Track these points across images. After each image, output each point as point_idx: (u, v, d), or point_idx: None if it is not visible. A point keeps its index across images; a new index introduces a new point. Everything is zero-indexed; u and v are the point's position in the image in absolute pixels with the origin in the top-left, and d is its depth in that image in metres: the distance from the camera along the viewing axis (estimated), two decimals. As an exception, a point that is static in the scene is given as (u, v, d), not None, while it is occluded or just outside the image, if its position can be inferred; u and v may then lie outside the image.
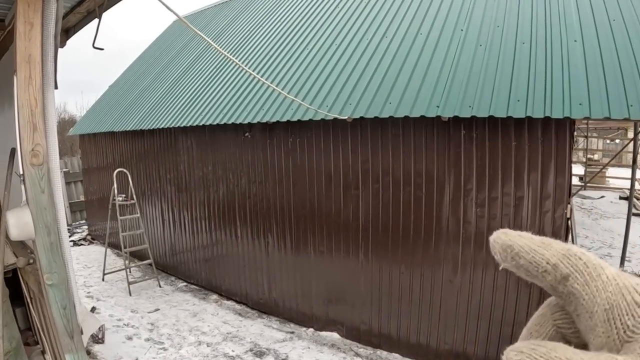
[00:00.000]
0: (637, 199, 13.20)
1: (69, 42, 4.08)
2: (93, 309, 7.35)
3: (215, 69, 8.97)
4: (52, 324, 2.46)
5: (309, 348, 6.16)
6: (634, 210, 8.91)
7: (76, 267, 9.96)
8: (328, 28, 7.76)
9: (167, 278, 9.45)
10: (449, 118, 4.83)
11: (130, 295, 8.32)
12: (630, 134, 14.66)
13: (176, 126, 8.07)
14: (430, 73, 5.42)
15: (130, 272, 9.08)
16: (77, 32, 3.94)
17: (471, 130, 4.97)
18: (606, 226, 11.62)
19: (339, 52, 6.89)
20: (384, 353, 5.96)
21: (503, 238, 0.38)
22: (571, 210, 4.54)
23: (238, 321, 7.10)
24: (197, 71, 9.53)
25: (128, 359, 5.85)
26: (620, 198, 14.58)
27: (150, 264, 9.09)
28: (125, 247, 8.83)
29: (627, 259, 7.99)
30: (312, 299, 6.70)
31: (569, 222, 4.59)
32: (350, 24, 7.46)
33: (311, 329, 6.69)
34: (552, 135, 4.48)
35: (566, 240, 4.62)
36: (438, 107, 4.90)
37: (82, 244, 12.73)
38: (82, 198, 15.03)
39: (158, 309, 7.60)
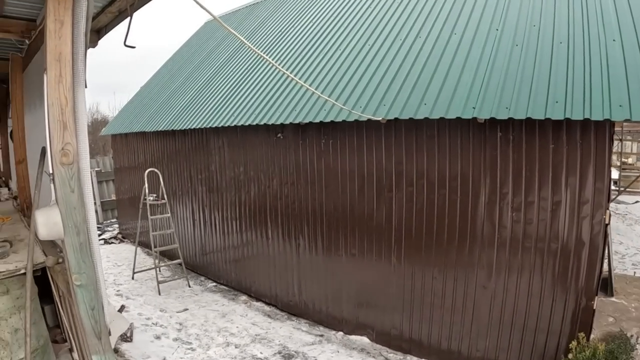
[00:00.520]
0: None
1: (101, 42, 4.25)
2: (122, 307, 7.58)
3: (247, 70, 9.15)
4: (79, 324, 2.48)
5: (338, 352, 6.25)
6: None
7: (106, 266, 10.30)
8: (361, 28, 7.86)
9: (196, 278, 9.66)
10: (485, 120, 4.84)
11: (159, 294, 8.55)
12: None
13: (208, 126, 8.28)
14: (466, 73, 5.45)
15: (160, 271, 9.34)
16: (108, 32, 4.09)
17: (508, 132, 4.98)
18: (641, 232, 11.39)
19: (372, 52, 6.97)
20: (414, 359, 6.00)
21: None
22: (609, 216, 4.50)
23: (267, 323, 7.23)
24: (229, 71, 9.73)
25: (156, 358, 6.04)
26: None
27: (180, 264, 9.33)
28: (155, 247, 9.08)
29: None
30: (343, 302, 6.78)
31: (607, 228, 4.56)
32: (384, 23, 7.54)
33: (341, 333, 6.77)
34: (591, 137, 4.46)
35: (604, 246, 4.59)
36: (474, 108, 4.92)
37: (112, 243, 13.11)
38: (113, 197, 15.50)
39: (187, 309, 7.79)
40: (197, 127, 8.57)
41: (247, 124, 7.39)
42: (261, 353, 6.23)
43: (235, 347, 6.39)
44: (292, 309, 7.62)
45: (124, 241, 13.28)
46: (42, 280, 3.94)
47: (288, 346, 6.40)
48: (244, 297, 8.41)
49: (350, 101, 6.20)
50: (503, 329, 5.19)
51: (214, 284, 9.33)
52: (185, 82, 11.19)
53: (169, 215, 9.46)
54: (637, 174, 13.44)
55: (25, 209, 5.41)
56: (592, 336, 4.68)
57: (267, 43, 9.84)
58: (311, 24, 9.35)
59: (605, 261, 5.91)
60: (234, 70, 9.65)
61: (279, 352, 6.24)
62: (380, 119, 5.57)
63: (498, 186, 5.12)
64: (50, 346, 4.15)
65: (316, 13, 9.70)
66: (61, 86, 2.21)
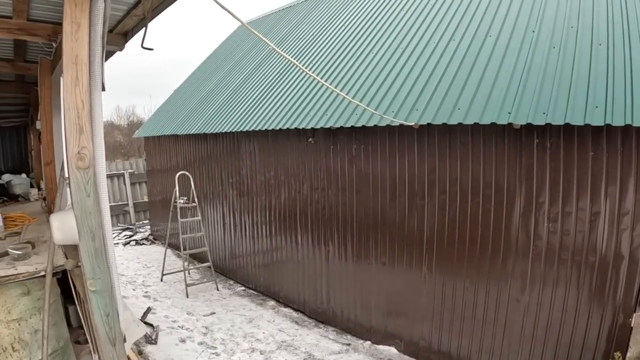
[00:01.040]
0: None
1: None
2: (149, 309, 7.69)
3: (278, 74, 9.21)
4: (94, 330, 2.48)
5: (365, 362, 6.18)
6: None
7: (136, 267, 10.49)
8: (394, 31, 7.82)
9: (225, 281, 9.74)
10: (522, 125, 4.73)
11: (187, 297, 8.65)
12: None
13: (239, 130, 8.37)
14: (501, 77, 5.34)
15: (189, 274, 9.42)
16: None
17: (545, 139, 4.85)
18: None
19: (405, 55, 6.91)
20: (444, 372, 5.88)
21: None
22: (651, 228, 4.33)
23: (294, 329, 7.22)
24: (260, 76, 9.82)
25: (179, 362, 6.08)
26: None
27: (209, 267, 9.43)
28: (185, 249, 9.17)
29: None
30: (371, 311, 6.72)
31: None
32: (417, 26, 7.49)
33: (368, 342, 6.71)
34: (633, 145, 4.30)
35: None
36: (509, 113, 4.81)
37: (144, 244, 13.37)
38: (145, 199, 15.78)
39: (214, 313, 7.86)
40: (229, 130, 8.67)
41: (278, 128, 7.44)
42: (286, 360, 6.23)
43: (261, 354, 6.40)
44: (320, 316, 7.60)
45: (155, 242, 13.53)
46: (66, 280, 4.00)
47: (314, 354, 6.38)
48: (272, 303, 8.43)
49: (383, 105, 6.16)
50: (536, 344, 5.04)
51: (243, 288, 9.39)
52: (218, 85, 11.37)
53: (199, 218, 9.60)
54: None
55: (51, 210, 5.54)
56: (628, 354, 4.49)
57: (299, 47, 9.90)
58: (344, 26, 9.36)
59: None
60: (265, 74, 9.74)
61: (305, 360, 6.23)
62: (412, 124, 5.51)
63: (534, 195, 4.98)
64: (70, 348, 4.21)
65: (349, 16, 9.70)
66: (77, 89, 2.21)
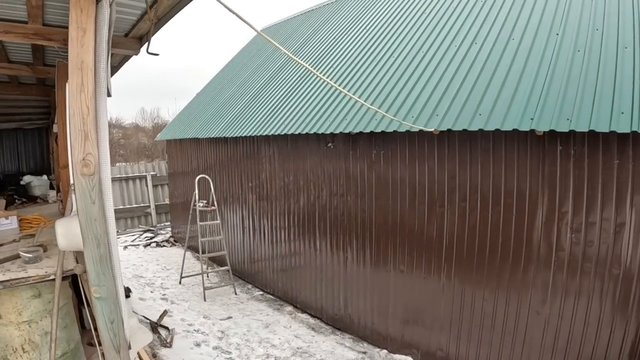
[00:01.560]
0: None
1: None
2: (165, 312, 7.72)
3: (299, 78, 9.21)
4: (99, 336, 2.48)
5: (381, 371, 6.10)
6: None
7: (155, 269, 10.56)
8: (415, 34, 7.74)
9: (243, 285, 9.75)
10: (544, 132, 4.61)
11: (204, 300, 8.67)
12: None
13: (259, 135, 8.37)
14: (524, 82, 5.23)
15: (207, 277, 9.44)
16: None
17: (569, 146, 4.72)
18: None
19: (425, 60, 6.83)
20: (462, 384, 5.76)
21: None
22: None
23: (310, 336, 7.17)
24: (281, 80, 9.83)
25: (193, 365, 6.08)
26: None
27: (227, 271, 9.43)
28: (204, 253, 9.20)
29: None
30: (389, 319, 6.64)
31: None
32: (438, 30, 7.40)
33: (385, 351, 6.62)
34: (660, 153, 4.15)
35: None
36: (532, 119, 4.70)
37: (164, 246, 13.49)
38: (167, 201, 15.94)
39: (230, 317, 7.86)
40: (249, 134, 8.69)
41: (297, 132, 7.43)
42: (301, 368, 6.18)
43: (275, 360, 6.36)
44: (337, 323, 7.54)
45: (175, 245, 13.64)
46: (79, 282, 4.01)
47: (330, 362, 6.31)
48: (289, 308, 8.40)
49: (402, 111, 6.09)
50: (556, 356, 4.91)
51: (261, 292, 9.38)
52: (239, 89, 11.42)
53: (219, 222, 9.63)
54: None
55: (64, 214, 5.57)
56: (652, 370, 4.34)
57: (320, 51, 9.89)
58: (365, 30, 9.32)
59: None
60: (286, 78, 9.74)
61: (320, 368, 6.17)
62: (432, 130, 5.42)
63: (557, 205, 4.86)
64: (81, 350, 4.22)
65: (370, 19, 9.66)
66: (83, 95, 2.21)
